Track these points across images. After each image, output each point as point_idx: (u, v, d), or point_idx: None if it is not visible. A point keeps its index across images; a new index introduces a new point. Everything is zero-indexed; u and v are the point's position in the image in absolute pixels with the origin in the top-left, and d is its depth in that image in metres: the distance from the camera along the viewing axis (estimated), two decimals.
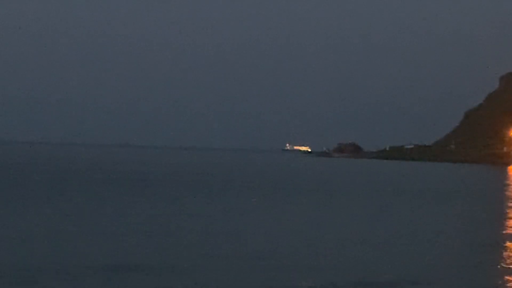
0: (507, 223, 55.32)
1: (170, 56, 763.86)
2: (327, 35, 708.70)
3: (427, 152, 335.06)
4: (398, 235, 44.71)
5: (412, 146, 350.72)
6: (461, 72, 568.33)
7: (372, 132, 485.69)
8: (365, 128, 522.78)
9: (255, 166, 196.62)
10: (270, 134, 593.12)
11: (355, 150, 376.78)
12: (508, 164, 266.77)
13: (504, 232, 48.47)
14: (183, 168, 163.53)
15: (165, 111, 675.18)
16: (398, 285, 28.30)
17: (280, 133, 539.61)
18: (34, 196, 65.83)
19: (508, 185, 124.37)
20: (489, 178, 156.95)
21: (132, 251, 34.17)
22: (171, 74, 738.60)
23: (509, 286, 28.46)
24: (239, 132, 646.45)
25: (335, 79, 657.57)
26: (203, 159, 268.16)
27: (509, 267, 32.62)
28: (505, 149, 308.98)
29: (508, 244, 41.82)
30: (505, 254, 37.32)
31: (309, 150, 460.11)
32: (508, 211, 67.44)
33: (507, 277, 29.89)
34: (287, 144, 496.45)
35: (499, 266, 32.94)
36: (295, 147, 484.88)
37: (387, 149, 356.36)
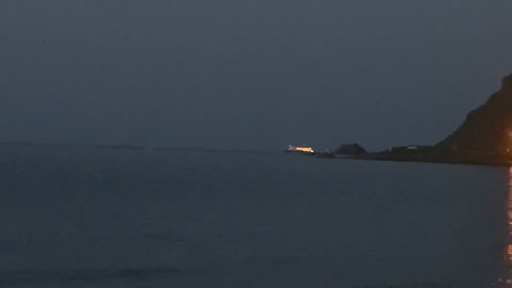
0: (509, 224, 55.18)
1: (170, 56, 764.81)
2: (329, 36, 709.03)
3: (430, 153, 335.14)
4: (398, 236, 44.58)
5: (414, 147, 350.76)
6: (464, 73, 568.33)
7: (374, 133, 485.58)
8: (368, 129, 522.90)
9: (260, 167, 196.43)
10: (273, 136, 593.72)
11: (357, 151, 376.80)
12: (511, 165, 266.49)
13: (506, 234, 48.31)
14: (188, 169, 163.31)
15: (166, 112, 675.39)
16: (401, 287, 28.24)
17: (282, 134, 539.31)
18: (38, 197, 65.73)
19: (511, 186, 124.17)
20: (491, 179, 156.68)
21: (143, 255, 33.50)
22: (171, 75, 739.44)
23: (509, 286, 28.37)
24: (241, 133, 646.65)
25: (338, 80, 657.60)
26: (204, 160, 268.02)
27: (510, 270, 32.51)
28: (507, 150, 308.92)
29: (509, 246, 41.69)
30: (505, 255, 37.19)
31: (312, 151, 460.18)
32: (510, 212, 67.28)
33: (508, 280, 29.77)
34: (290, 145, 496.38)
35: (499, 267, 32.84)
36: (298, 148, 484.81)
37: (390, 150, 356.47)
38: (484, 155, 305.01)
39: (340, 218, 56.74)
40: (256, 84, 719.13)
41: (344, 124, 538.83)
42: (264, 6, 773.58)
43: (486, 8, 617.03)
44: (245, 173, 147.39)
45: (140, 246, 36.40)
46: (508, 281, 29.48)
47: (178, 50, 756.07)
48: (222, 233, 42.76)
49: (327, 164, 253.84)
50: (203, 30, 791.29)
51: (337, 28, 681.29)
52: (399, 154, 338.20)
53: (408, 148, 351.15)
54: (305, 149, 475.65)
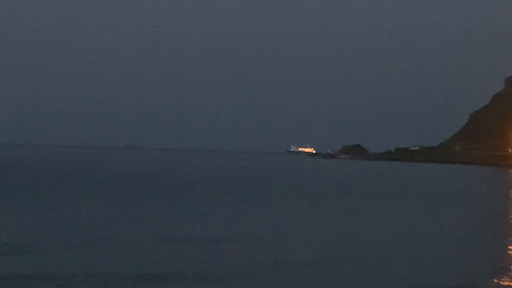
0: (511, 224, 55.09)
1: (171, 56, 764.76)
2: (331, 37, 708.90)
3: (432, 153, 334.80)
4: (398, 237, 44.34)
5: (417, 148, 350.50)
6: (466, 73, 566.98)
7: (377, 133, 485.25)
8: (370, 129, 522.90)
9: (265, 168, 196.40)
10: (275, 136, 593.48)
11: (359, 152, 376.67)
12: None
13: (507, 235, 48.12)
14: (190, 170, 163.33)
15: (166, 113, 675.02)
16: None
17: (284, 134, 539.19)
18: (40, 198, 65.56)
19: None
20: (493, 179, 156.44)
21: (157, 259, 33.01)
22: (173, 75, 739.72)
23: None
24: (242, 134, 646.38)
25: (340, 80, 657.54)
26: (206, 161, 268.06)
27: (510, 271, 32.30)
28: (510, 150, 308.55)
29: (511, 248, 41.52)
30: (506, 257, 37.00)
31: (314, 151, 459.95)
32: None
33: (508, 282, 29.50)
34: (292, 146, 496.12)
35: (500, 268, 32.55)
36: (300, 149, 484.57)
37: (392, 150, 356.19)
38: (486, 155, 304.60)
39: (354, 219, 56.52)
40: (257, 85, 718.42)
41: (347, 125, 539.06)
42: (264, 6, 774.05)
43: (489, 7, 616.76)
44: (245, 174, 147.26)
45: (147, 250, 35.98)
46: (509, 284, 29.28)
47: (179, 51, 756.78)
48: (233, 234, 42.51)
49: (330, 164, 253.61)
50: (204, 30, 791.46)
51: (337, 28, 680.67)
52: (401, 154, 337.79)
53: (410, 148, 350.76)
54: (307, 150, 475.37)
